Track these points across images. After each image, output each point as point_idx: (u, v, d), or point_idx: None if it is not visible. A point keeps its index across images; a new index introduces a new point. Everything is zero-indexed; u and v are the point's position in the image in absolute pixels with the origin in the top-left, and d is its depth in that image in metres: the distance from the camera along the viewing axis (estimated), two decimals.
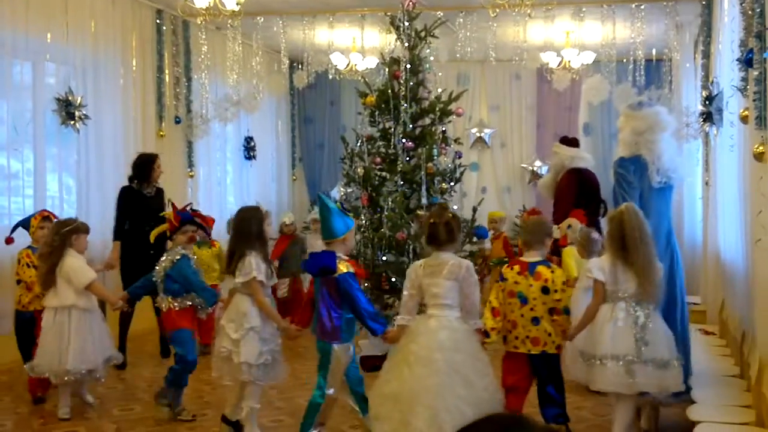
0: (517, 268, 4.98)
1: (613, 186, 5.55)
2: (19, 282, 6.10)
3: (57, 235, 5.59)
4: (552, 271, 4.93)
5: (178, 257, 5.48)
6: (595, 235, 6.25)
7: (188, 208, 5.80)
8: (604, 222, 8.86)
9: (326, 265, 4.59)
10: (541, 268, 4.92)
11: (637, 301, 4.62)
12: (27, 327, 6.02)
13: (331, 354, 4.65)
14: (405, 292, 4.56)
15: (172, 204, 5.85)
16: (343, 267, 4.62)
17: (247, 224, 5.03)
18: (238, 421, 5.08)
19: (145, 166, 7.43)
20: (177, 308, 5.47)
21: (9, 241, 6.23)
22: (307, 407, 4.78)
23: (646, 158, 5.35)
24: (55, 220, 6.01)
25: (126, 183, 7.48)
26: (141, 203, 7.33)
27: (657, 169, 5.33)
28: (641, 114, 5.49)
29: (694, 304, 7.53)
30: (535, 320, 4.86)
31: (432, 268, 4.46)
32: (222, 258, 7.74)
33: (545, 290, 4.87)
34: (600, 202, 8.56)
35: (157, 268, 5.54)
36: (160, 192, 7.59)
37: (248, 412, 4.99)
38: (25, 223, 6.26)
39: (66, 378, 5.50)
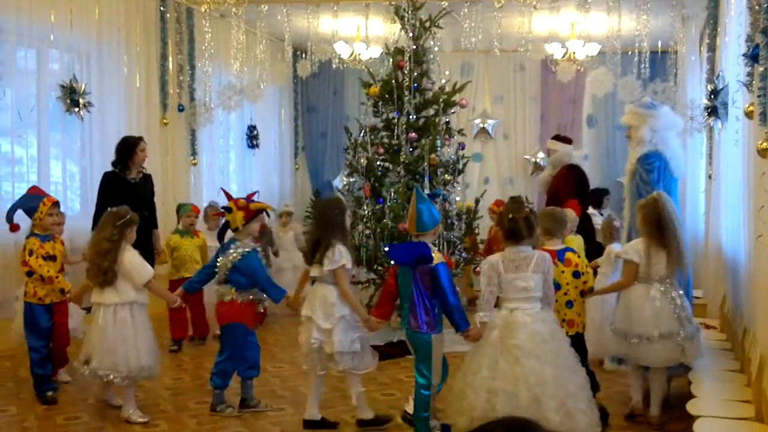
0: None
1: (635, 181, 5.96)
2: (30, 274, 5.66)
3: (116, 229, 5.26)
4: (578, 256, 5.24)
5: (248, 250, 5.33)
6: (616, 222, 6.54)
7: (254, 197, 5.56)
8: (605, 211, 9.12)
9: (423, 254, 4.58)
10: (569, 255, 5.20)
11: (671, 282, 5.00)
12: (43, 320, 5.72)
13: (432, 345, 4.63)
14: (485, 289, 4.53)
15: (226, 193, 5.54)
16: (437, 257, 4.63)
17: (332, 214, 5.03)
18: (323, 417, 5.13)
19: (126, 149, 6.99)
20: (240, 301, 5.31)
21: (15, 228, 5.86)
22: (416, 404, 4.69)
23: (664, 153, 5.86)
24: (111, 211, 5.46)
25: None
26: (124, 190, 6.84)
27: (674, 162, 5.91)
28: (658, 112, 5.99)
29: (696, 297, 7.52)
30: (569, 303, 5.12)
31: (515, 262, 4.47)
32: (204, 250, 7.56)
33: (576, 275, 5.15)
34: (589, 194, 8.75)
35: (221, 258, 5.35)
36: (147, 178, 7.20)
37: (358, 397, 5.07)
38: (27, 208, 5.81)
39: (133, 375, 5.23)
